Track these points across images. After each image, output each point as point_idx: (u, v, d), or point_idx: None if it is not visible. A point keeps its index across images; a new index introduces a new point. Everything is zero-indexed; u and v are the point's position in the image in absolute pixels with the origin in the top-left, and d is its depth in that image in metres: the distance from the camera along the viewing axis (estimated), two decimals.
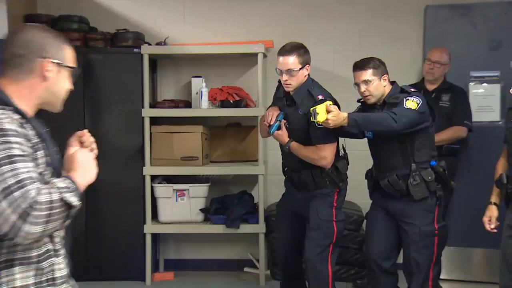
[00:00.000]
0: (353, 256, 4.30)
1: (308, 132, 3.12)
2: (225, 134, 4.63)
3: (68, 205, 1.50)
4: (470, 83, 4.26)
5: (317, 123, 2.92)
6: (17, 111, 1.56)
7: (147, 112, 4.33)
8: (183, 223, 4.40)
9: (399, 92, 3.11)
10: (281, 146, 3.30)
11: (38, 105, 1.67)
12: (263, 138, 3.74)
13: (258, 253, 4.40)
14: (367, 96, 3.11)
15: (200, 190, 4.43)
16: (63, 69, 1.68)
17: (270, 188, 4.59)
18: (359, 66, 3.11)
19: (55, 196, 1.47)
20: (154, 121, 4.44)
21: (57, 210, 1.47)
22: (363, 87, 3.09)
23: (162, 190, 4.40)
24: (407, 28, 4.59)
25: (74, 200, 1.51)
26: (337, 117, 2.88)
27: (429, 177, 3.05)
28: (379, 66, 3.10)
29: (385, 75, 3.11)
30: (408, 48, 4.58)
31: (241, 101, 4.43)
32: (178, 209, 4.40)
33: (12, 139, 1.48)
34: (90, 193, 4.33)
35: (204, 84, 4.40)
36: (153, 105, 4.48)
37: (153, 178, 4.42)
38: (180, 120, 4.47)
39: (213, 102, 4.45)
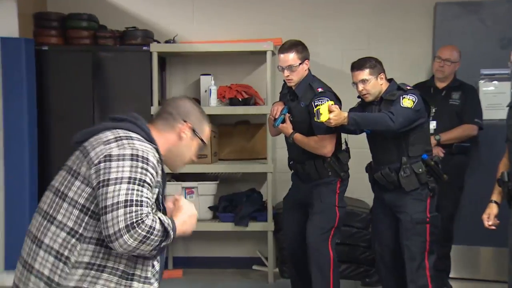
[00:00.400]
0: (361, 254, 4.30)
1: (310, 123, 3.31)
2: (233, 132, 4.63)
3: (163, 237, 1.73)
4: (480, 81, 4.23)
5: (320, 122, 3.15)
6: (158, 151, 1.86)
7: (156, 110, 4.34)
8: None
9: (396, 89, 3.26)
10: (286, 138, 3.48)
11: (163, 156, 1.92)
12: (272, 137, 3.81)
13: (267, 251, 4.40)
14: (364, 94, 3.26)
15: (208, 188, 4.43)
16: (196, 139, 1.98)
17: (278, 186, 4.59)
18: (356, 66, 3.27)
19: (157, 225, 1.72)
20: None
21: (154, 237, 1.71)
22: (360, 86, 3.24)
23: (171, 187, 4.40)
24: (417, 26, 4.57)
25: (170, 233, 1.75)
26: (338, 117, 3.11)
27: (420, 170, 3.19)
28: (376, 66, 3.25)
29: (381, 73, 3.26)
30: (418, 46, 4.56)
31: (250, 99, 4.43)
32: None
33: (150, 169, 1.77)
34: None
35: (213, 82, 4.40)
36: (162, 103, 4.48)
37: None
38: None
39: (222, 100, 4.45)
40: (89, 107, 4.35)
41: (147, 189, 1.74)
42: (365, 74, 3.22)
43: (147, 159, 1.77)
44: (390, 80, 3.32)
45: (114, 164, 1.74)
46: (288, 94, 3.45)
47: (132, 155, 1.76)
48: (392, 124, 3.08)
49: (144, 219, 1.68)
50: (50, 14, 4.49)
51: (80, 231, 1.76)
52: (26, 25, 4.31)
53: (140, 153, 1.77)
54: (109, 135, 1.82)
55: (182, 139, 1.95)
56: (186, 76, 4.73)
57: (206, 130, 2.01)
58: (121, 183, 1.71)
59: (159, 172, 1.83)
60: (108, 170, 1.73)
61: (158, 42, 4.50)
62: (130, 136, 1.82)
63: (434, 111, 4.02)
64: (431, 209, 3.25)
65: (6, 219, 4.18)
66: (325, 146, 3.30)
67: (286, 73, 3.33)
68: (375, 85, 3.23)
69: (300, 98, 3.36)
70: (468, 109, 4.00)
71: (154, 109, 4.34)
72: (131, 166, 1.74)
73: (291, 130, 3.39)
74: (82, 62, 4.35)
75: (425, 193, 3.22)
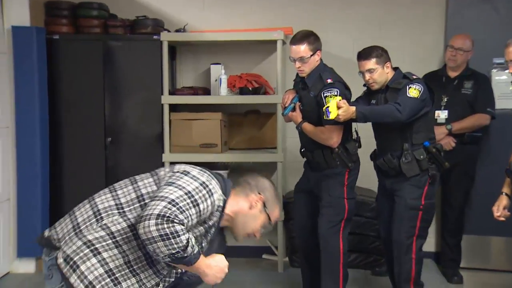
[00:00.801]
0: (371, 244, 4.29)
1: (318, 113, 3.33)
2: (244, 121, 4.63)
3: (182, 251, 1.85)
4: (493, 70, 4.19)
5: (330, 119, 3.18)
6: (224, 203, 2.04)
7: (167, 99, 4.35)
8: None
9: (401, 77, 3.29)
10: (296, 126, 3.52)
11: (227, 220, 2.11)
12: (286, 122, 3.82)
13: (277, 240, 4.41)
14: (371, 83, 3.30)
15: None
16: (264, 214, 2.14)
17: (288, 175, 4.59)
18: (363, 56, 3.30)
19: (183, 237, 1.85)
20: (173, 108, 4.45)
21: (174, 244, 1.84)
22: (367, 76, 3.29)
23: None
24: (429, 14, 4.53)
25: (188, 251, 1.88)
26: (346, 112, 3.15)
27: (421, 156, 3.24)
28: (382, 55, 3.28)
29: (387, 62, 3.30)
30: (430, 35, 4.52)
31: (260, 88, 4.42)
32: None
33: (208, 201, 1.97)
34: (110, 180, 4.38)
35: (223, 71, 4.39)
36: (172, 92, 4.49)
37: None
38: (199, 107, 4.48)
39: (232, 89, 4.44)
40: (100, 96, 4.36)
41: (195, 212, 1.92)
42: (371, 63, 3.25)
43: (212, 194, 1.99)
44: (395, 69, 3.35)
45: (186, 178, 1.98)
46: (300, 82, 3.47)
47: (204, 182, 1.99)
48: (399, 116, 3.13)
49: (175, 221, 1.84)
50: (61, 3, 4.48)
51: (125, 209, 1.99)
52: (37, 14, 4.32)
53: (210, 186, 1.99)
54: (198, 167, 2.09)
55: (252, 208, 2.12)
56: (196, 65, 4.73)
57: (276, 211, 2.17)
58: (180, 189, 1.92)
59: (212, 220, 2.02)
60: (179, 178, 1.97)
61: (169, 31, 4.49)
62: (212, 178, 2.04)
63: (445, 100, 4.00)
64: (428, 196, 3.30)
65: (18, 207, 4.21)
66: (332, 137, 3.32)
67: (298, 64, 3.34)
68: (381, 74, 3.27)
69: (310, 88, 3.37)
70: (480, 98, 3.97)
71: (164, 98, 4.34)
72: (197, 188, 1.96)
73: (300, 119, 3.42)
74: (93, 51, 4.36)
75: (424, 180, 3.27)
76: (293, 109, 3.43)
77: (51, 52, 4.31)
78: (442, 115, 3.99)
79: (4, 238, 4.18)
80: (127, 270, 1.95)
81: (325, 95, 3.27)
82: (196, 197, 1.93)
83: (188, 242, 1.87)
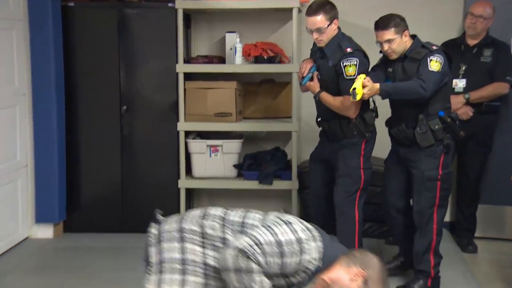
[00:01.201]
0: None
1: (337, 82, 3.30)
2: (258, 90, 4.61)
3: (248, 286, 1.89)
4: None
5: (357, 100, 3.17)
6: (318, 268, 2.00)
7: (181, 68, 4.33)
8: (216, 179, 4.44)
9: (420, 46, 3.23)
10: (314, 96, 3.49)
11: (324, 287, 2.01)
12: (303, 92, 3.78)
13: (291, 209, 4.43)
14: (390, 53, 3.26)
15: (233, 146, 4.45)
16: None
17: (303, 145, 4.58)
18: (381, 26, 3.23)
19: (257, 276, 1.89)
20: (188, 76, 4.44)
21: (244, 277, 1.88)
22: (386, 46, 3.24)
23: (196, 145, 4.43)
24: None
25: None
26: (371, 90, 3.15)
27: (436, 126, 3.21)
28: (400, 24, 3.22)
29: (405, 31, 3.24)
30: (448, 2, 4.43)
31: (275, 57, 4.38)
32: (211, 164, 4.44)
33: (296, 258, 1.95)
34: (125, 148, 4.42)
35: (238, 39, 4.35)
36: (187, 60, 4.47)
37: (187, 133, 4.46)
38: (214, 76, 4.46)
39: (247, 58, 4.40)
40: (115, 64, 4.36)
41: (278, 263, 1.92)
42: (390, 34, 3.20)
43: (303, 253, 1.96)
44: (413, 37, 3.29)
45: (285, 227, 1.98)
46: (318, 51, 3.43)
47: (300, 239, 1.97)
48: (423, 92, 3.10)
49: (252, 260, 1.88)
50: None
51: (226, 225, 2.07)
52: None
53: (305, 246, 1.96)
54: (306, 223, 2.06)
55: (351, 281, 2.00)
56: (211, 33, 4.69)
57: None
58: (272, 236, 1.94)
59: (299, 278, 1.99)
60: (277, 225, 1.98)
61: None
62: (314, 240, 2.00)
63: (464, 69, 3.94)
64: (444, 166, 3.28)
65: (36, 173, 4.27)
66: (350, 108, 3.30)
67: (315, 35, 3.30)
68: (400, 43, 3.22)
69: (328, 57, 3.34)
70: (500, 66, 3.90)
71: (179, 66, 4.32)
72: (290, 240, 1.95)
73: (318, 89, 3.40)
74: (108, 19, 4.34)
75: (439, 150, 3.25)
76: (311, 79, 3.40)
77: (66, 19, 4.30)
78: (460, 84, 3.93)
79: (22, 204, 4.25)
80: (201, 270, 2.02)
81: (344, 64, 3.24)
82: (285, 248, 1.94)
83: (260, 283, 1.90)
